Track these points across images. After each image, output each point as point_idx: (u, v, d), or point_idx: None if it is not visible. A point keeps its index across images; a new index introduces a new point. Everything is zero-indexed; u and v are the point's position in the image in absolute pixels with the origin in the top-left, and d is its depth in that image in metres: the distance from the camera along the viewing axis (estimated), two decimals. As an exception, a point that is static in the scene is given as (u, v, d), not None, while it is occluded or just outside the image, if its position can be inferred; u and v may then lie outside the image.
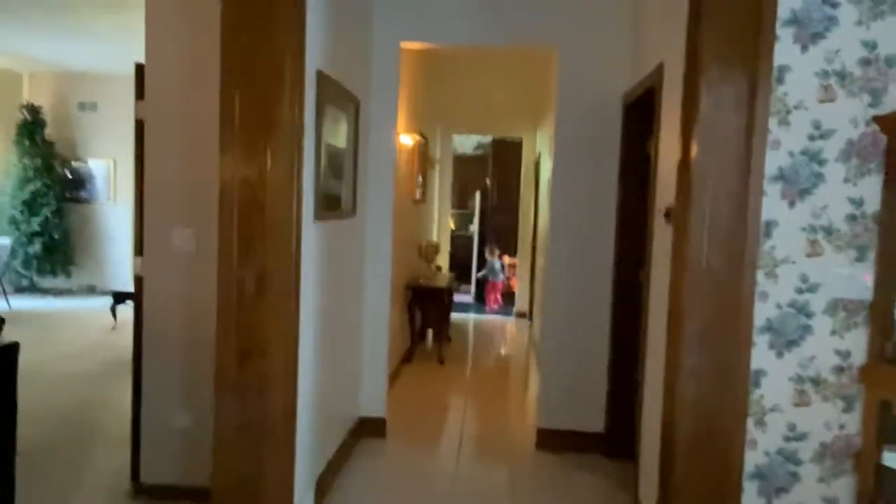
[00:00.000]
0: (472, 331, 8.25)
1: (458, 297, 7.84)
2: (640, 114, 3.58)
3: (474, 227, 10.69)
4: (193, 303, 3.08)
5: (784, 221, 2.28)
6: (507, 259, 9.85)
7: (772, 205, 2.28)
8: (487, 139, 10.90)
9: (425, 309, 6.41)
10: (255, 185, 2.35)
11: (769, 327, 2.32)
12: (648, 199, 3.22)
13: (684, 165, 2.29)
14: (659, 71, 3.00)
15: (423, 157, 6.72)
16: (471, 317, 9.09)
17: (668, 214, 2.74)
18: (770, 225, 2.29)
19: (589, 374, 4.00)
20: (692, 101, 2.23)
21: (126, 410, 3.32)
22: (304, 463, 2.89)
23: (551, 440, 4.04)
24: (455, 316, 7.90)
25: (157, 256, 3.14)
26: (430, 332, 7.03)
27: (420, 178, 6.58)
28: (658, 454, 2.55)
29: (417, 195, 6.53)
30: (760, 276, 2.29)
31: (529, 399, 5.34)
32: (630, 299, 3.74)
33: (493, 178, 10.17)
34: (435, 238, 8.46)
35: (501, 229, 9.88)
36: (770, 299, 2.31)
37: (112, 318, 6.92)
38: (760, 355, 2.32)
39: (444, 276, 7.18)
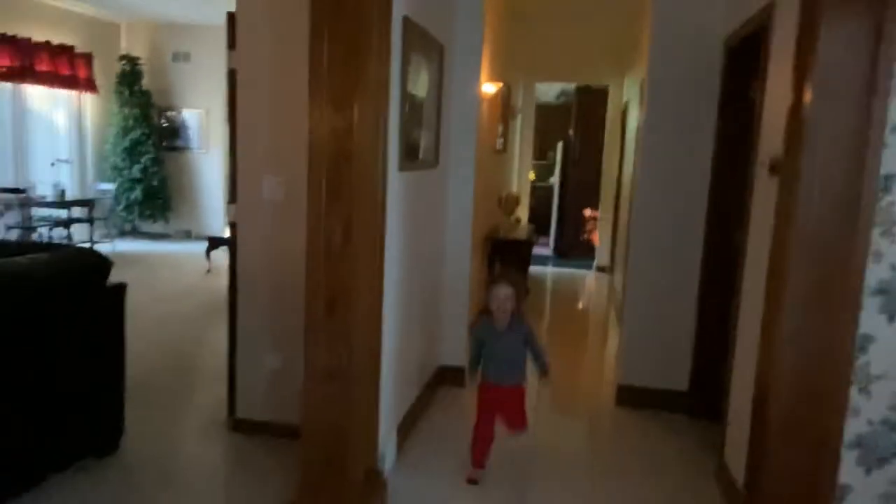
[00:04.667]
0: (550, 284, 8.18)
1: (536, 250, 7.77)
2: (744, 56, 3.33)
3: (555, 179, 10.47)
4: (283, 249, 3.18)
5: (907, 175, 2.09)
6: (588, 212, 9.63)
7: (893, 157, 2.08)
8: (571, 87, 10.53)
9: (504, 261, 6.38)
10: (343, 135, 2.35)
11: (882, 290, 2.15)
12: (750, 150, 3.02)
13: (796, 113, 2.12)
14: (768, 10, 2.76)
15: (505, 105, 6.57)
16: (549, 270, 9.00)
17: (773, 167, 2.56)
18: (889, 179, 2.10)
19: (673, 330, 3.89)
20: (809, 43, 2.04)
21: (222, 349, 3.51)
22: (388, 407, 2.97)
23: (632, 397, 3.98)
24: (533, 269, 7.85)
25: (249, 204, 3.25)
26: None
27: (501, 128, 6.46)
28: (748, 417, 2.46)
29: (498, 145, 6.42)
30: (875, 234, 2.12)
31: (609, 355, 5.27)
32: (722, 254, 3.57)
33: (576, 128, 9.85)
34: (515, 189, 8.35)
35: (583, 181, 9.62)
36: (885, 260, 2.14)
37: (207, 263, 7.30)
38: (869, 319, 2.17)
39: (524, 228, 7.10)
